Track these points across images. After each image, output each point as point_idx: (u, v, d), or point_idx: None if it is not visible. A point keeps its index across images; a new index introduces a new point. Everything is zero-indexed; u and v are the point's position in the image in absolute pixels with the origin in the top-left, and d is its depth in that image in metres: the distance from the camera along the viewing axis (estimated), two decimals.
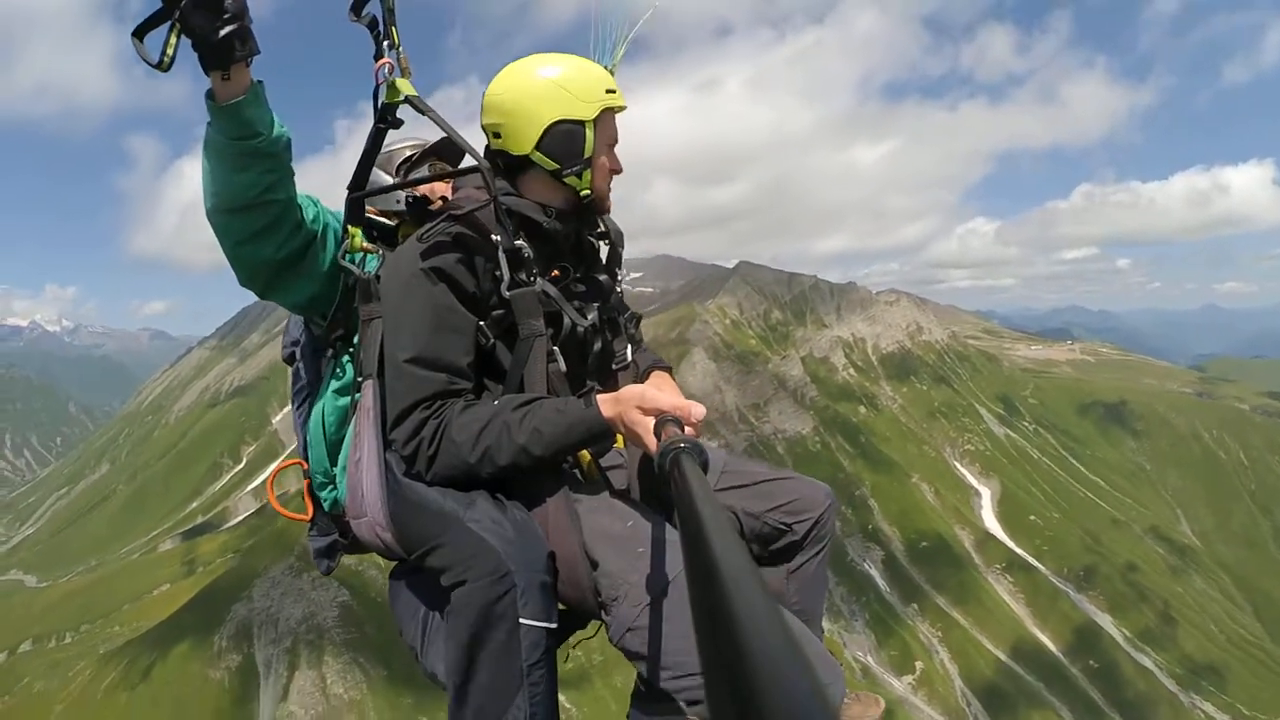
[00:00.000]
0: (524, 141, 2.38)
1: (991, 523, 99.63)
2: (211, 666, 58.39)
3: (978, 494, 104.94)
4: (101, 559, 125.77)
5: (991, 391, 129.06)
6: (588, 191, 2.45)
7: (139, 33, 1.91)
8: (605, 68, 2.73)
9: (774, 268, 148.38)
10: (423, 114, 2.36)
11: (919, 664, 77.32)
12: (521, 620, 1.91)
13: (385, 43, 2.37)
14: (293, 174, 2.36)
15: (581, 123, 2.36)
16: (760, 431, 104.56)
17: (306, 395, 2.79)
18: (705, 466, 1.54)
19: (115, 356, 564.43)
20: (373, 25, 2.37)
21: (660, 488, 2.33)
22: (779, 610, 0.66)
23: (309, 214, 2.49)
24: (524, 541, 2.01)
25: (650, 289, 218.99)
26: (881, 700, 2.72)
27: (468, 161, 2.63)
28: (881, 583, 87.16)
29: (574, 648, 2.50)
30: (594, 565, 2.12)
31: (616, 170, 2.53)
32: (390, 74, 2.36)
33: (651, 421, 1.92)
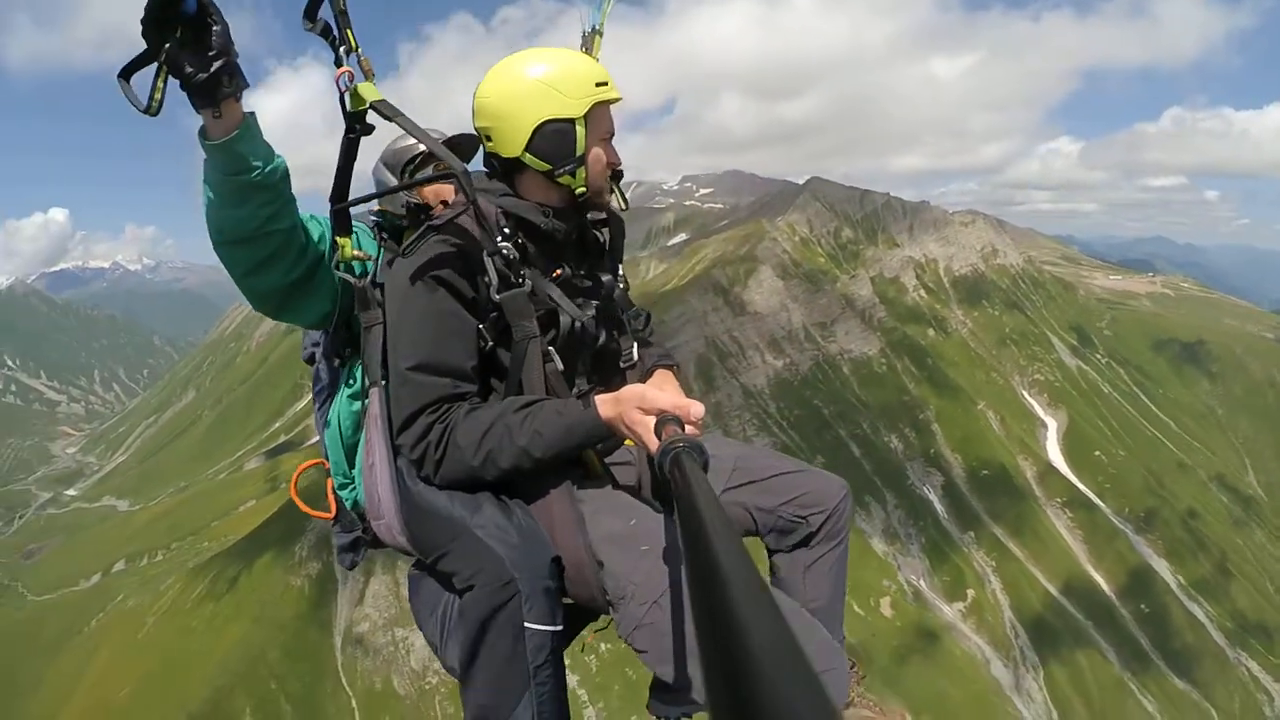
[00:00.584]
0: (513, 144, 2.34)
1: (1056, 456, 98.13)
2: (293, 574, 61.51)
3: (1044, 425, 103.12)
4: (190, 481, 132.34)
5: (1065, 320, 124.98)
6: (583, 189, 2.40)
7: (125, 74, 1.86)
8: (594, 28, 2.71)
9: (846, 185, 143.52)
10: (389, 120, 2.28)
11: (970, 592, 78.04)
12: (526, 625, 1.96)
13: (342, 48, 2.27)
14: (293, 201, 2.33)
15: (571, 120, 2.31)
16: (826, 351, 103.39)
17: (326, 396, 2.78)
18: (706, 466, 1.55)
19: (196, 289, 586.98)
20: (326, 32, 2.27)
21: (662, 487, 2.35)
22: (779, 610, 0.66)
23: (314, 234, 2.49)
24: (528, 548, 2.06)
25: (720, 205, 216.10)
26: (907, 717, 2.87)
27: (476, 162, 2.61)
28: (940, 508, 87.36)
29: (588, 639, 2.54)
30: (600, 565, 2.15)
31: (614, 164, 2.46)
32: (351, 81, 2.27)
33: (652, 421, 1.92)
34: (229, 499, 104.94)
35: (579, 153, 2.34)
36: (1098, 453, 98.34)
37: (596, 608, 2.22)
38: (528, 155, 2.33)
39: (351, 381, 2.63)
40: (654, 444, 1.86)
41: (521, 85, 2.30)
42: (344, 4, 2.24)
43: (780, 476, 2.57)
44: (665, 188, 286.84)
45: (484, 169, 2.54)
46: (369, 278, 2.52)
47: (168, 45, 1.82)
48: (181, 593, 66.48)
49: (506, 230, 2.30)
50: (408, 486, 2.29)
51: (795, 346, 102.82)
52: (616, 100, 2.42)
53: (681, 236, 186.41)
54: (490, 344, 2.31)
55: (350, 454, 2.64)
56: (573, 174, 2.37)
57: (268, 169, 2.16)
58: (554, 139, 2.31)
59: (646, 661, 2.08)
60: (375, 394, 2.37)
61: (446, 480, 2.23)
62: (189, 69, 1.86)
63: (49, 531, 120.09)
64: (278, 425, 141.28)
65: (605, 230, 2.65)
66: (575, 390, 2.39)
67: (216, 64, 1.87)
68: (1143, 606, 79.11)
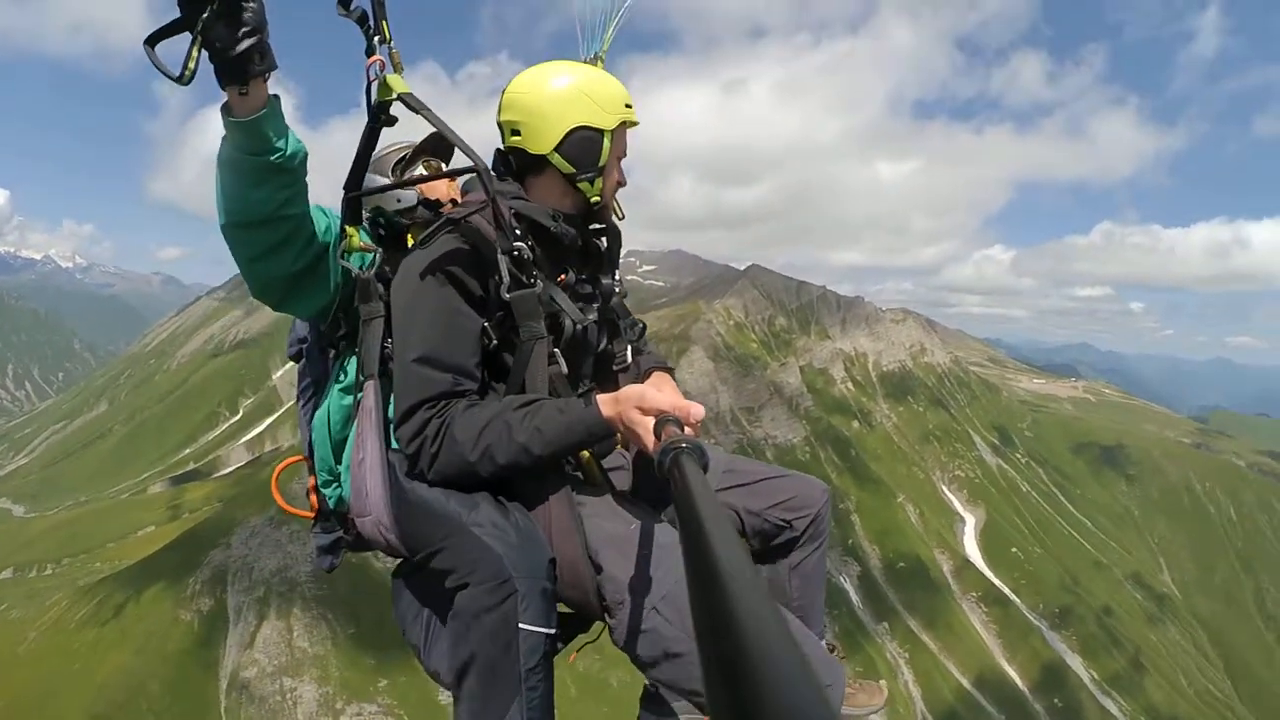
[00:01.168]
0: (545, 142, 2.38)
1: (973, 550, 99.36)
2: (183, 608, 58.82)
3: (962, 520, 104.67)
4: (91, 496, 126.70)
5: (988, 420, 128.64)
6: (598, 199, 2.48)
7: (151, 40, 1.83)
8: (596, 54, 2.75)
9: (785, 274, 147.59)
10: (416, 112, 2.29)
11: (883, 683, 76.38)
12: (521, 625, 1.93)
13: (376, 38, 2.29)
14: (307, 188, 2.33)
15: (601, 131, 2.39)
16: (751, 435, 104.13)
17: (312, 394, 2.77)
18: (705, 466, 1.52)
19: (125, 298, 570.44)
20: (362, 20, 2.28)
21: (660, 488, 2.24)
22: (779, 611, 0.66)
23: (320, 226, 2.46)
24: (526, 547, 2.04)
25: (661, 283, 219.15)
26: (885, 688, 2.90)
27: (459, 159, 2.51)
28: (855, 598, 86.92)
29: (578, 650, 2.47)
30: (597, 569, 2.15)
31: (622, 184, 2.56)
32: (382, 71, 2.29)
33: (651, 421, 1.93)
34: (128, 521, 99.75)
35: (601, 163, 2.43)
36: (1014, 549, 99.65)
37: (590, 613, 2.22)
38: (556, 155, 2.39)
39: (345, 373, 2.61)
40: (653, 444, 1.87)
41: (563, 88, 2.38)
42: None
43: (767, 480, 2.66)
44: None
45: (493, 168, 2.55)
46: (371, 270, 2.51)
47: (204, 16, 1.78)
48: (67, 611, 62.74)
49: (518, 231, 2.30)
50: (400, 482, 2.29)
51: (721, 429, 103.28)
52: (637, 124, 2.52)
53: None
54: (494, 342, 2.33)
55: (338, 450, 2.60)
56: (591, 183, 2.44)
57: (289, 152, 2.15)
58: (582, 145, 2.39)
59: (643, 668, 2.09)
60: (370, 387, 2.38)
61: (441, 476, 2.22)
62: (221, 43, 1.84)
63: None
64: (188, 452, 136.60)
65: (604, 239, 2.69)
66: (575, 393, 2.40)
67: (249, 41, 1.86)
68: (1056, 701, 78.85)
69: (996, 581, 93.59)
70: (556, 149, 2.39)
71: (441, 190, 2.95)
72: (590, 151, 2.39)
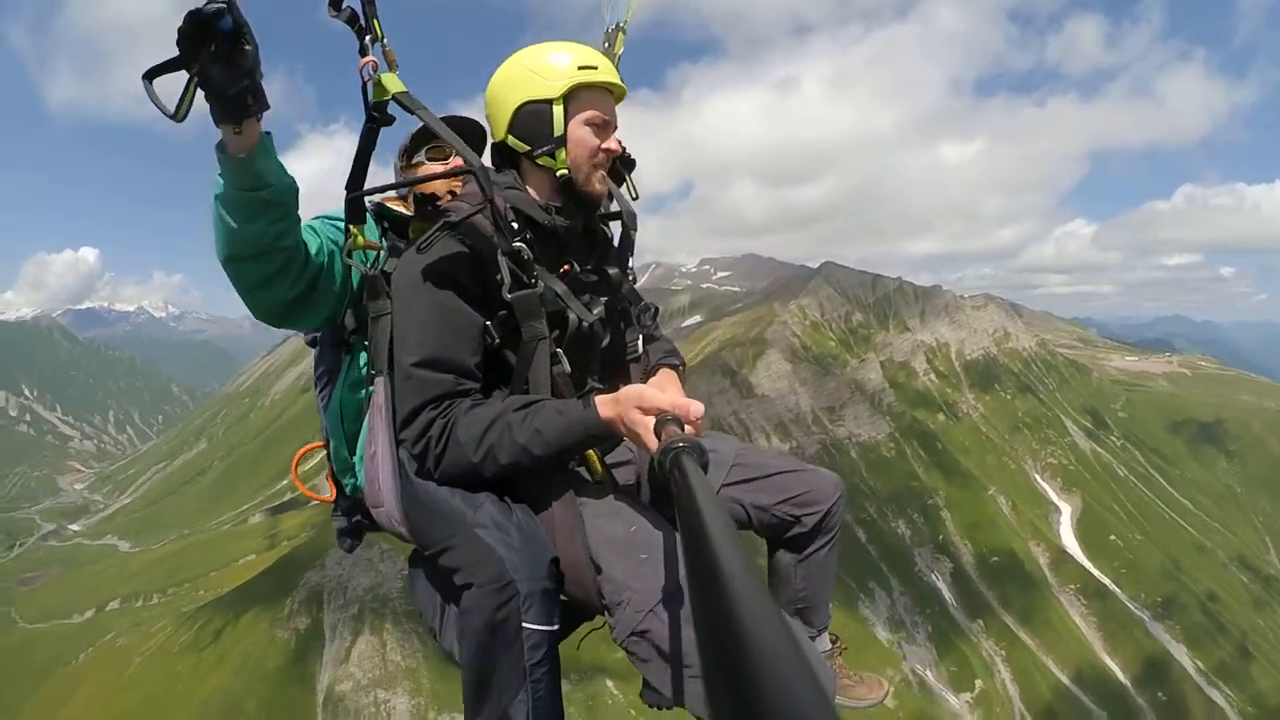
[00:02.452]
0: (499, 127, 2.45)
1: (1069, 540, 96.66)
2: (280, 627, 61.58)
3: (1057, 510, 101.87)
4: (193, 529, 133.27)
5: (1079, 403, 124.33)
6: (564, 171, 2.41)
7: (150, 75, 1.88)
8: (618, 24, 2.88)
9: (859, 269, 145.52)
10: (411, 112, 2.34)
11: (979, 682, 76.18)
12: (524, 625, 2.00)
13: (368, 37, 2.31)
14: (299, 220, 2.39)
15: (549, 101, 2.35)
16: (834, 435, 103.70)
17: (327, 382, 2.84)
18: (705, 466, 1.53)
19: (217, 342, 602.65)
20: (352, 20, 2.30)
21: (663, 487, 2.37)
22: (780, 612, 0.65)
23: (313, 247, 2.51)
24: (528, 549, 2.09)
25: (737, 288, 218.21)
26: (885, 683, 2.92)
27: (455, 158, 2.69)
28: (948, 595, 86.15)
29: (584, 638, 2.51)
30: (597, 569, 2.17)
31: (609, 150, 2.46)
32: (375, 71, 2.31)
33: (651, 421, 1.93)
34: (229, 551, 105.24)
35: (557, 133, 2.36)
36: (1113, 537, 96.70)
37: (593, 609, 2.23)
38: (511, 138, 2.42)
39: (354, 370, 2.67)
40: (653, 444, 1.87)
41: (507, 71, 2.41)
42: None
43: (779, 475, 2.63)
44: (683, 270, 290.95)
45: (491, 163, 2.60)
46: (378, 267, 2.52)
47: (201, 57, 1.85)
48: (170, 637, 66.61)
49: (515, 226, 2.33)
50: (409, 478, 2.33)
51: (802, 430, 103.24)
52: (607, 84, 2.42)
53: (696, 318, 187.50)
54: (497, 341, 2.33)
55: (351, 441, 2.68)
56: (552, 155, 2.39)
57: (281, 187, 2.21)
58: (530, 119, 2.37)
59: (641, 668, 2.10)
60: (380, 383, 2.39)
61: (447, 476, 2.24)
62: (218, 84, 1.89)
63: (48, 562, 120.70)
64: (284, 483, 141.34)
65: (616, 221, 2.72)
66: (582, 390, 2.40)
67: (244, 82, 1.92)
68: (1160, 694, 76.52)
69: (1095, 572, 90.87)
70: (509, 130, 2.40)
71: (438, 187, 2.90)
72: (539, 124, 2.36)
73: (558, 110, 2.35)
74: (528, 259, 2.28)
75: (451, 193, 2.83)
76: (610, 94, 2.47)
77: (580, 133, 2.39)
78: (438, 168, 2.97)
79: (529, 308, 2.28)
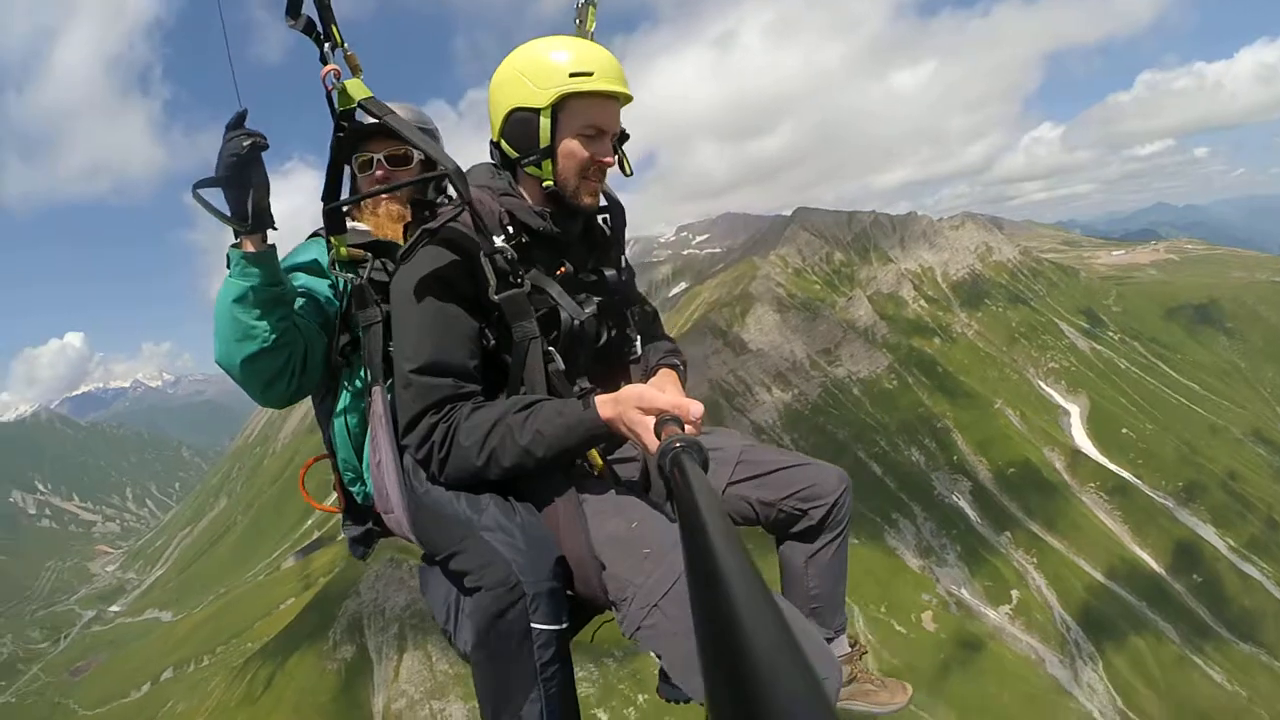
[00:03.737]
0: (494, 129, 2.41)
1: (1083, 440, 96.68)
2: (327, 660, 61.76)
3: (1065, 413, 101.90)
4: (229, 585, 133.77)
5: (1072, 305, 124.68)
6: (550, 182, 2.36)
7: (197, 187, 2.22)
8: (587, 1, 2.81)
9: (833, 209, 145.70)
10: (379, 118, 2.32)
11: (1015, 593, 76.23)
12: (533, 625, 2.02)
13: (328, 44, 2.30)
14: (295, 319, 2.58)
15: (536, 110, 2.28)
16: (833, 376, 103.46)
17: (327, 391, 2.84)
18: (705, 465, 1.53)
19: (218, 399, 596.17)
20: (309, 29, 2.29)
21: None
22: (779, 610, 0.66)
23: (300, 324, 2.62)
24: (533, 550, 2.10)
25: (718, 249, 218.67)
26: (909, 687, 2.88)
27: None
28: (971, 513, 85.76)
29: (597, 630, 2.53)
30: (601, 567, 2.18)
31: (600, 160, 2.36)
32: (339, 79, 2.30)
33: (651, 421, 1.93)
34: (269, 598, 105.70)
35: (544, 144, 2.31)
36: (1125, 430, 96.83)
37: (600, 605, 2.25)
38: (504, 143, 2.39)
39: (355, 381, 2.70)
40: (653, 444, 1.88)
41: (502, 72, 2.34)
42: None
43: (783, 470, 2.62)
44: (662, 240, 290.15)
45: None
46: (365, 277, 2.59)
47: (248, 177, 2.25)
48: (226, 693, 67.12)
49: (510, 230, 2.31)
50: (413, 486, 2.35)
51: (801, 377, 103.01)
52: (604, 93, 2.32)
53: (681, 286, 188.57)
54: (493, 343, 2.33)
55: (360, 450, 2.72)
56: (538, 165, 2.34)
57: (290, 284, 2.51)
58: (518, 128, 2.32)
59: (654, 656, 2.13)
60: (377, 392, 2.44)
61: (451, 480, 2.25)
62: (259, 197, 2.30)
63: (95, 648, 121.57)
64: (310, 522, 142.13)
65: (606, 215, 2.66)
66: (578, 389, 2.38)
67: (267, 200, 2.34)
68: (1195, 577, 76.84)
69: (1113, 467, 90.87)
70: (501, 135, 2.37)
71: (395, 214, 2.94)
72: (526, 133, 2.31)
73: (544, 121, 2.28)
74: (511, 258, 2.25)
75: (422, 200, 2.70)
76: (611, 99, 2.35)
77: (570, 145, 2.32)
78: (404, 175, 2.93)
79: (517, 307, 2.27)
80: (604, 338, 2.52)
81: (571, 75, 2.23)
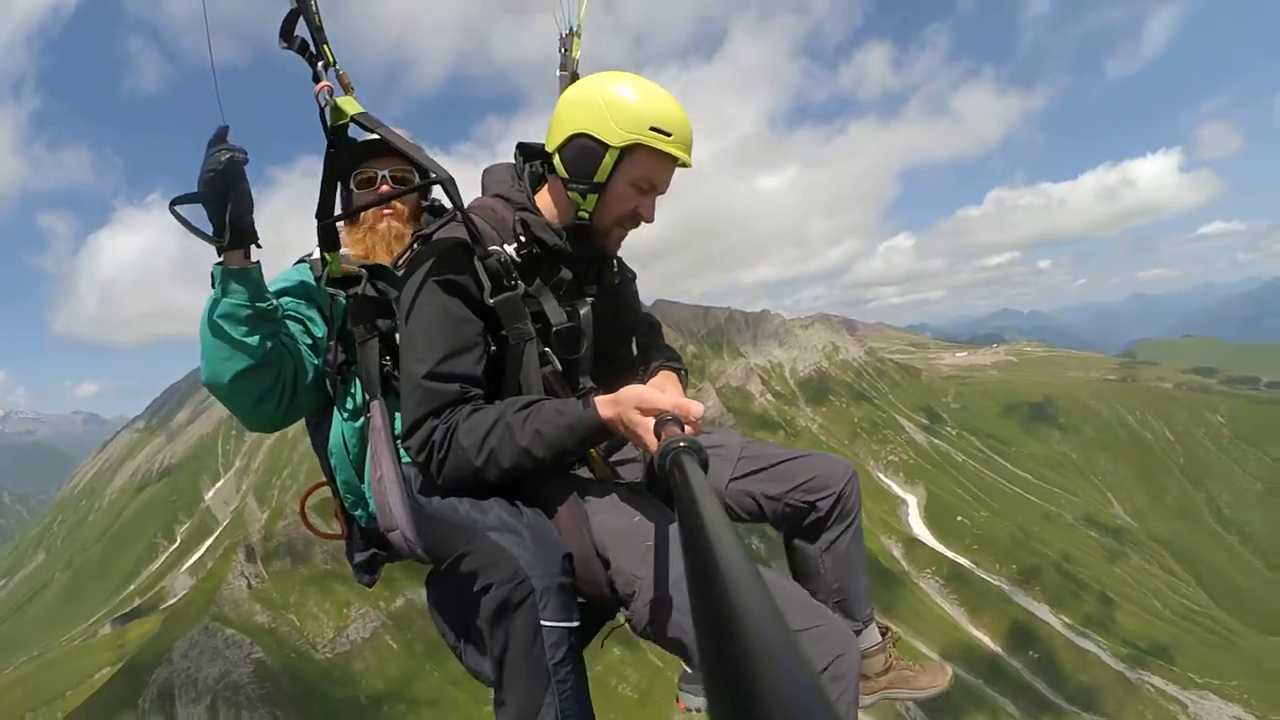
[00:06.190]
0: (552, 140, 2.34)
1: (919, 528, 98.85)
2: None
3: (903, 502, 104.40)
4: (43, 647, 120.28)
5: (913, 402, 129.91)
6: (586, 215, 2.34)
7: (175, 203, 2.17)
8: (572, 29, 2.79)
9: (692, 304, 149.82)
10: (372, 132, 2.27)
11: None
12: (543, 622, 1.95)
13: (320, 64, 2.26)
14: (283, 335, 2.49)
15: (605, 145, 2.23)
16: None
17: (321, 417, 2.72)
18: (705, 465, 1.51)
19: (49, 441, 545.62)
20: (303, 49, 2.24)
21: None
22: (778, 609, 0.67)
23: (291, 347, 2.53)
24: (539, 547, 2.04)
25: None
26: (949, 667, 2.78)
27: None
28: None
29: (606, 637, 2.42)
30: (606, 564, 2.12)
31: (643, 217, 2.38)
32: (331, 96, 2.26)
33: (651, 421, 1.92)
34: (83, 667, 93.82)
35: (598, 179, 2.28)
36: (960, 518, 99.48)
37: (607, 604, 2.19)
38: (558, 156, 2.34)
39: (350, 400, 2.59)
40: (653, 444, 1.87)
41: (584, 93, 2.29)
42: (319, 19, 2.25)
43: (786, 463, 2.54)
44: None
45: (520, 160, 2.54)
46: (359, 291, 2.53)
47: (230, 193, 2.15)
48: None
49: (523, 238, 2.31)
50: (416, 495, 2.29)
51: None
52: (674, 159, 2.30)
53: None
54: (492, 347, 2.30)
55: (360, 470, 2.58)
56: (583, 195, 2.32)
57: (274, 301, 2.40)
58: (579, 153, 2.28)
59: (666, 648, 2.09)
60: (376, 407, 2.38)
61: (451, 481, 2.21)
62: (241, 213, 2.19)
63: None
64: (133, 588, 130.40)
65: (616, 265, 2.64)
66: (581, 388, 2.37)
67: (250, 215, 2.23)
68: (1032, 654, 77.51)
69: (949, 553, 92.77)
70: (559, 149, 2.31)
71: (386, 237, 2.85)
72: (587, 161, 2.26)
73: (609, 158, 2.27)
74: (505, 262, 2.27)
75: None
76: (674, 162, 2.35)
77: (622, 190, 2.33)
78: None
79: (511, 310, 2.27)
80: (586, 346, 2.42)
81: (652, 129, 2.22)
